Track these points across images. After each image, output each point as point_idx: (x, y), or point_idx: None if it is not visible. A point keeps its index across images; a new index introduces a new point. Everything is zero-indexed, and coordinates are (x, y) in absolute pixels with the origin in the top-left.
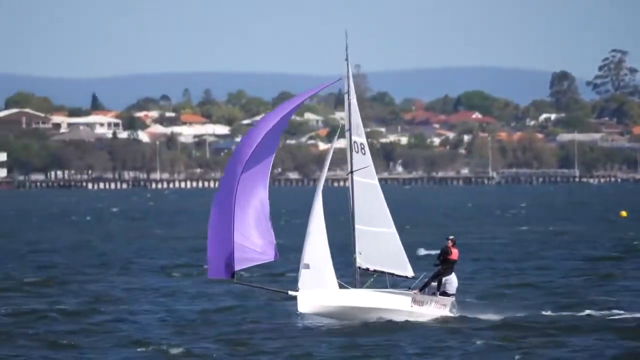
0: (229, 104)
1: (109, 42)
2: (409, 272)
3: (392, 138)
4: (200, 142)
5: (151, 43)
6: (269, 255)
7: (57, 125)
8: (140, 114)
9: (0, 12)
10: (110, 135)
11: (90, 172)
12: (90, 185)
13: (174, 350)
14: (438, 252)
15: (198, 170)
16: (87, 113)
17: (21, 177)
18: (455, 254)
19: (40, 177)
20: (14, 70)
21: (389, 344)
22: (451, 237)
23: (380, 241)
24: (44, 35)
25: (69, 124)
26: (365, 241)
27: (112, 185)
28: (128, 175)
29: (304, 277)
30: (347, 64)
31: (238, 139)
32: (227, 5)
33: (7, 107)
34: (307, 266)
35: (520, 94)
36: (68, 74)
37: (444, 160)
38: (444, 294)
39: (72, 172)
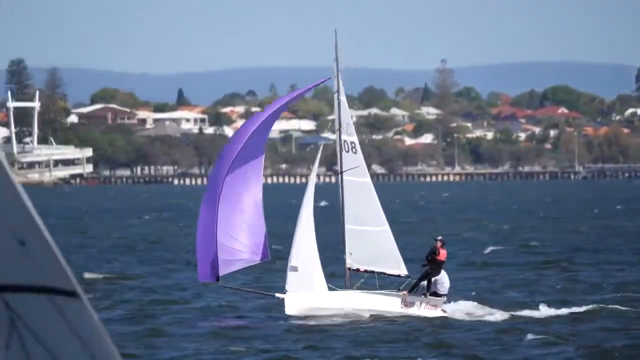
0: (315, 99)
1: (194, 37)
2: (403, 271)
3: (478, 133)
4: (286, 137)
5: (237, 38)
6: (257, 256)
7: (143, 121)
8: (226, 110)
9: (86, 9)
10: (196, 131)
11: (176, 167)
12: (176, 181)
13: None
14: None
15: (284, 165)
16: (172, 108)
17: (107, 173)
18: (443, 254)
19: (125, 172)
20: (99, 66)
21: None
22: (439, 237)
23: (371, 240)
24: (128, 31)
25: (155, 120)
26: (356, 241)
27: (198, 181)
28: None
29: (292, 279)
30: (337, 63)
31: (324, 135)
32: (313, 2)
33: (92, 102)
34: (294, 269)
35: (605, 88)
36: (153, 70)
37: (530, 155)
38: (435, 294)
39: (158, 167)
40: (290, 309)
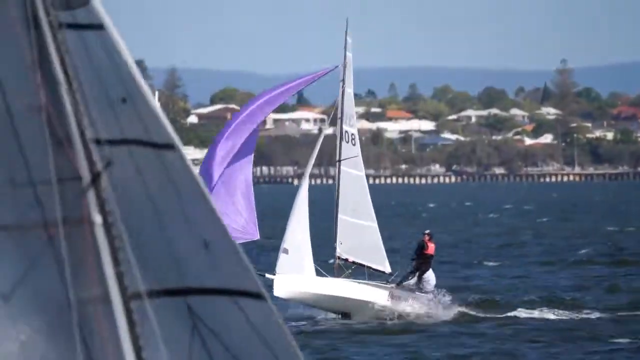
0: (435, 99)
1: (309, 38)
2: (387, 268)
3: (597, 133)
4: (405, 137)
5: (356, 39)
6: (251, 235)
7: (263, 121)
8: None
9: (202, 10)
10: (315, 131)
11: (295, 167)
12: (295, 181)
13: None
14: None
15: (403, 166)
16: (292, 109)
17: None
18: (431, 248)
19: None
20: (218, 66)
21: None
22: (427, 231)
23: (361, 234)
24: (248, 31)
25: (275, 120)
26: (347, 232)
27: (318, 181)
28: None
29: (282, 261)
30: (345, 52)
31: (444, 135)
32: (433, 2)
33: (212, 103)
34: (285, 251)
35: None
36: (272, 70)
37: None
38: (421, 291)
39: (277, 167)
40: (279, 290)
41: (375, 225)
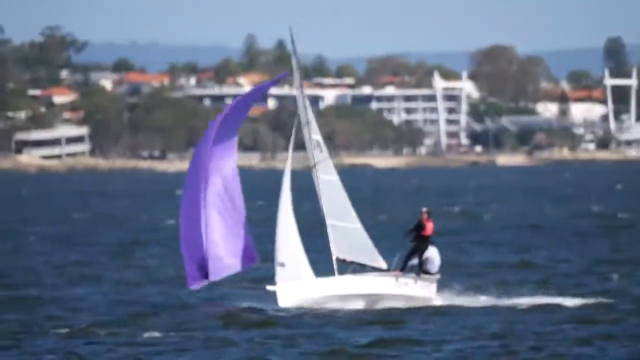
0: None
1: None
2: (383, 264)
3: None
4: None
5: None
6: (247, 262)
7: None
8: None
9: None
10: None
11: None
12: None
13: None
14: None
15: None
16: None
17: None
18: (429, 228)
19: None
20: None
21: None
22: (425, 209)
23: (351, 236)
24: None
25: None
26: (338, 234)
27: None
28: None
29: (280, 274)
30: (295, 57)
31: None
32: None
33: None
34: (281, 264)
35: None
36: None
37: None
38: (426, 273)
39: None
40: (283, 300)
41: (359, 225)
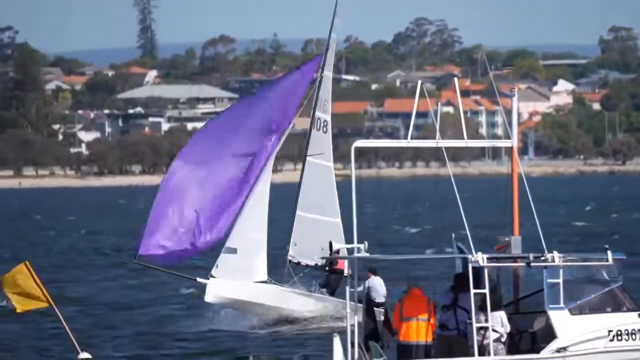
0: None
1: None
2: (346, 269)
3: None
4: None
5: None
6: (182, 253)
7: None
8: None
9: None
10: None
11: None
12: None
13: None
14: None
15: None
16: None
17: None
18: (341, 263)
19: None
20: None
21: None
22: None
23: (320, 232)
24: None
25: None
26: (304, 231)
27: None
28: None
29: (225, 263)
30: (330, 34)
31: None
32: None
33: None
34: (232, 251)
35: None
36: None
37: None
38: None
39: None
40: (210, 296)
41: (337, 221)
